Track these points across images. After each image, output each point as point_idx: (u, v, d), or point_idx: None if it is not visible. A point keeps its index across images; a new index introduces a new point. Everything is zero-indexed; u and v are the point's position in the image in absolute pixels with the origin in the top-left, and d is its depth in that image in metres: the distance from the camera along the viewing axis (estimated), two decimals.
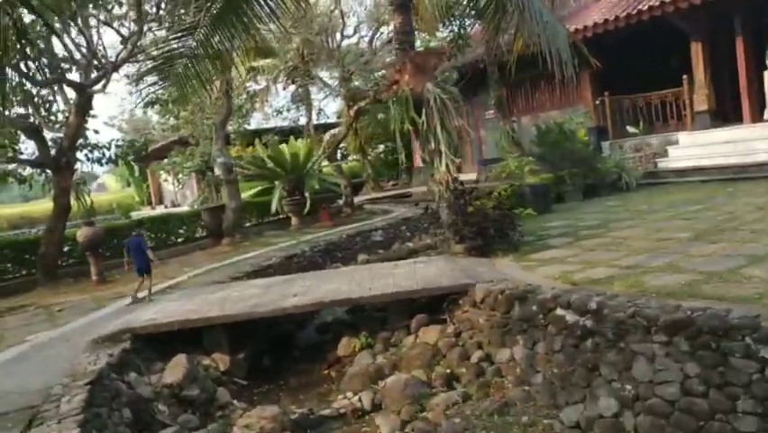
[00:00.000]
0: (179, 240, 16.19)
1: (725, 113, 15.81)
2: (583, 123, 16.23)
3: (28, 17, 10.31)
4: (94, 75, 12.98)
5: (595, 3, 18.35)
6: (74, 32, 12.78)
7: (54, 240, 12.82)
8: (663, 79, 15.93)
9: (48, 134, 13.38)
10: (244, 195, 17.96)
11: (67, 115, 13.40)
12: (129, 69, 14.46)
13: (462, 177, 10.17)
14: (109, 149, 15.35)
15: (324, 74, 22.63)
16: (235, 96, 18.20)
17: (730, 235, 7.65)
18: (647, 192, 13.63)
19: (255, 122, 25.81)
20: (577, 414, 5.20)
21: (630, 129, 16.64)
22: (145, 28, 12.94)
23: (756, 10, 14.18)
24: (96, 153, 14.72)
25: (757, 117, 14.60)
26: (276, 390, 7.36)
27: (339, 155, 23.65)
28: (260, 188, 20.13)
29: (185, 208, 22.20)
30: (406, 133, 9.81)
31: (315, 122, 24.14)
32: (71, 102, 13.16)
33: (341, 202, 19.68)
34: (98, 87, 12.84)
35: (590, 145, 15.53)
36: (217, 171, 17.48)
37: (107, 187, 46.39)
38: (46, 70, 12.21)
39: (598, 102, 17.33)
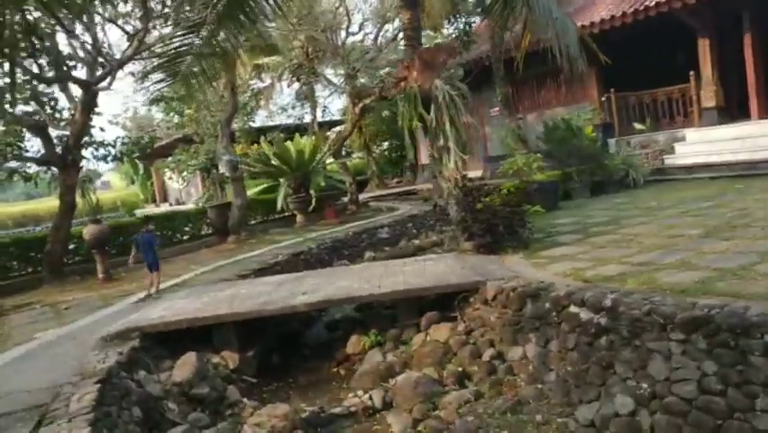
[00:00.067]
0: (185, 237, 16.17)
1: (732, 109, 15.71)
2: (591, 119, 16.14)
3: (34, 14, 10.25)
4: (99, 72, 12.93)
5: None
6: (79, 29, 12.73)
7: (60, 238, 12.80)
8: (669, 76, 15.84)
9: (53, 132, 13.36)
10: (250, 192, 17.95)
11: (72, 112, 13.36)
12: (134, 66, 14.49)
13: (467, 174, 10.11)
14: (115, 146, 15.33)
15: (328, 71, 22.63)
16: (240, 94, 18.17)
17: (742, 232, 7.57)
18: (655, 189, 13.56)
19: (259, 119, 25.82)
20: (592, 413, 5.15)
21: (637, 126, 16.56)
22: (150, 25, 12.88)
23: (765, 5, 14.06)
24: (102, 151, 14.70)
25: (765, 113, 14.49)
26: (285, 388, 7.31)
27: (344, 152, 23.55)
28: (265, 185, 20.12)
29: (189, 206, 22.18)
30: (410, 130, 9.77)
31: (319, 119, 24.10)
32: (77, 99, 13.13)
33: (346, 199, 19.64)
34: (104, 84, 12.80)
35: (598, 142, 15.45)
36: (222, 169, 17.47)
37: (111, 184, 46.45)
38: (51, 67, 12.17)
39: (604, 99, 17.25)
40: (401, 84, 9.08)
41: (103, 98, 12.80)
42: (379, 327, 7.70)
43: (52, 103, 13.14)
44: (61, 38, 12.94)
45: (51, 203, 25.53)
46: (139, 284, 10.77)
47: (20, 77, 10.76)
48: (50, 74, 12.47)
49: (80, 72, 13.28)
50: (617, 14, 15.59)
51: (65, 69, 12.52)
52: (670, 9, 14.54)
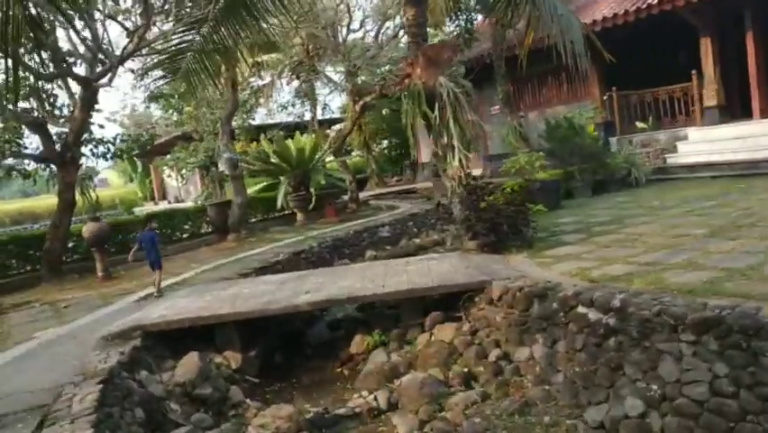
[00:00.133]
0: (185, 236, 16.09)
1: (733, 108, 15.66)
2: (593, 118, 16.08)
3: (36, 8, 10.16)
4: (99, 69, 12.84)
5: None
6: (79, 25, 12.64)
7: (59, 235, 12.71)
8: (671, 75, 15.79)
9: (52, 129, 13.26)
10: (250, 190, 17.86)
11: (71, 109, 13.27)
12: (133, 63, 14.40)
13: (471, 172, 10.03)
14: (114, 144, 15.23)
15: (328, 69, 22.54)
16: (240, 91, 18.07)
17: (748, 232, 7.53)
18: (657, 188, 13.52)
19: (259, 117, 25.72)
20: (601, 414, 5.09)
21: (639, 125, 16.51)
22: (150, 22, 12.79)
23: (767, 3, 14.02)
24: (102, 148, 14.61)
25: (767, 113, 14.45)
26: (288, 388, 7.25)
27: (343, 150, 23.47)
28: (265, 183, 20.03)
29: (188, 204, 22.10)
30: (405, 129, 9.72)
31: (319, 117, 24.01)
32: (76, 96, 13.03)
33: (346, 198, 19.58)
34: (104, 81, 12.70)
35: (599, 140, 15.40)
36: (222, 167, 17.38)
37: (109, 182, 46.32)
38: (51, 64, 12.09)
39: (605, 97, 17.20)
40: (405, 81, 9.01)
41: (101, 95, 12.77)
42: (382, 326, 7.63)
43: (51, 99, 13.06)
44: (60, 34, 12.81)
45: (49, 200, 25.46)
46: (139, 282, 10.71)
47: (20, 73, 10.65)
48: (50, 70, 12.37)
49: (80, 69, 13.21)
50: (619, 13, 15.53)
51: (65, 65, 12.42)
52: (672, 8, 14.48)
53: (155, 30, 13.56)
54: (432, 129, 8.98)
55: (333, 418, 6.09)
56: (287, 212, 18.04)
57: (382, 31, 21.97)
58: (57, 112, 13.34)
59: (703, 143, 14.90)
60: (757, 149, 13.33)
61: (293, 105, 26.16)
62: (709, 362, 4.49)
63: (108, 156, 15.27)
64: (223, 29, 8.38)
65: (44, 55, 11.71)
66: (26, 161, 13.76)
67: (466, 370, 6.41)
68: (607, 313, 5.28)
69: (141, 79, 15.19)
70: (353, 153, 27.48)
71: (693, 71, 15.28)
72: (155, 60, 9.59)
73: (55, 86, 13.23)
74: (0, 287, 12.10)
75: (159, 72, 9.20)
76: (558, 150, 14.83)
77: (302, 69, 20.40)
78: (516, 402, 5.62)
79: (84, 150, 13.92)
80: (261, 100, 22.76)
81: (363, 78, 20.25)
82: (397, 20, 20.80)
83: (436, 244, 11.98)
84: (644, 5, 15.03)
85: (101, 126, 14.98)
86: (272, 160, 17.67)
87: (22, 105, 12.51)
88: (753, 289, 5.13)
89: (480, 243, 8.79)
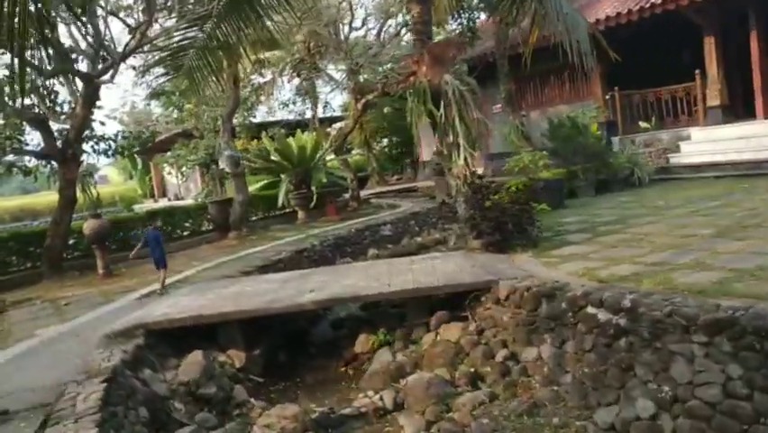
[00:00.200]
0: (185, 233, 16.02)
1: (737, 108, 15.62)
2: (596, 117, 16.03)
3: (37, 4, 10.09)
4: (101, 65, 12.77)
5: None
6: (80, 21, 12.56)
7: (60, 232, 12.65)
8: (674, 74, 15.75)
9: (54, 126, 13.19)
10: (251, 188, 17.79)
11: (73, 105, 13.20)
12: (134, 60, 14.32)
13: (477, 171, 9.98)
14: (116, 141, 15.16)
15: (330, 67, 22.45)
16: (241, 88, 17.99)
17: (755, 232, 7.49)
18: (660, 188, 13.48)
19: (260, 115, 25.64)
20: (611, 416, 5.04)
21: (642, 124, 16.46)
22: (153, 18, 12.72)
23: None
24: (103, 145, 14.54)
25: None
26: (293, 387, 7.20)
27: (344, 149, 23.41)
28: (266, 181, 19.97)
29: (188, 201, 22.01)
30: (410, 127, 9.68)
31: (320, 115, 23.92)
32: (78, 93, 12.96)
33: (347, 196, 19.51)
34: (106, 77, 12.63)
35: (602, 140, 15.35)
36: (222, 165, 17.30)
37: (109, 179, 46.21)
38: (53, 60, 12.00)
39: (607, 97, 17.16)
40: (410, 79, 8.95)
41: (101, 92, 12.73)
42: (386, 325, 7.58)
43: (53, 96, 12.98)
44: (62, 30, 12.74)
45: (49, 197, 25.32)
46: (140, 280, 10.66)
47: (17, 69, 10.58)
48: (51, 66, 12.29)
49: (82, 65, 13.14)
50: (623, 12, 15.49)
51: (67, 61, 12.35)
52: (677, 7, 14.45)
53: (157, 27, 13.49)
54: (437, 127, 8.93)
55: (338, 418, 6.04)
56: (288, 210, 17.96)
57: (384, 29, 21.94)
58: (58, 108, 13.26)
59: (706, 143, 14.86)
60: (761, 149, 13.30)
61: (294, 103, 26.09)
62: (722, 363, 4.45)
63: (109, 153, 15.19)
64: (226, 25, 8.32)
65: (48, 51, 11.62)
66: (27, 158, 13.68)
67: (473, 370, 6.36)
68: (617, 313, 5.23)
69: (143, 76, 15.11)
70: (354, 152, 27.39)
71: (696, 71, 15.23)
72: (157, 57, 9.51)
73: (56, 82, 13.15)
74: (0, 284, 12.03)
75: (160, 69, 9.14)
76: (561, 149, 14.78)
77: (303, 67, 20.31)
78: (524, 403, 5.57)
79: (85, 147, 13.88)
80: (262, 98, 22.67)
81: (365, 76, 20.16)
82: (400, 18, 20.77)
83: (438, 243, 11.93)
84: (648, 5, 15.00)
85: (102, 123, 14.91)
86: (273, 157, 17.59)
87: (22, 101, 12.43)
88: (763, 289, 5.08)
89: (484, 242, 8.73)
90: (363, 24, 22.19)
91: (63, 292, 10.75)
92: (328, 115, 28.38)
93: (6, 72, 11.90)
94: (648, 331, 4.93)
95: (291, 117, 25.64)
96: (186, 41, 8.51)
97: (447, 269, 7.87)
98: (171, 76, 9.05)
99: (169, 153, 23.37)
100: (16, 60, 4.45)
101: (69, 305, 9.57)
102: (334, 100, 49.87)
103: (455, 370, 6.41)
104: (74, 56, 12.78)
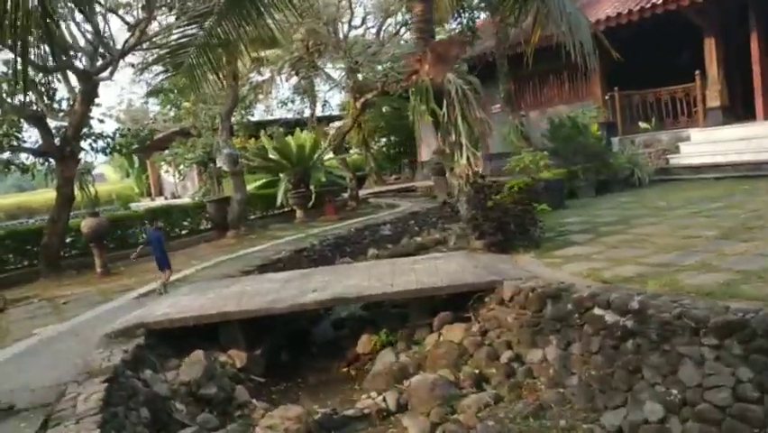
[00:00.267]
0: (183, 232, 15.94)
1: (737, 109, 15.60)
2: (596, 117, 15.99)
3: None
4: (99, 62, 12.67)
5: None
6: (79, 18, 12.47)
7: (57, 230, 12.54)
8: (674, 75, 15.70)
9: (51, 123, 13.08)
10: (249, 187, 17.69)
11: (71, 102, 13.10)
12: (133, 58, 14.23)
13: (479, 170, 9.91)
14: (114, 138, 15.06)
15: (328, 66, 22.36)
16: (240, 87, 17.90)
17: (759, 234, 7.46)
18: (661, 188, 13.45)
19: (258, 113, 25.54)
20: (619, 419, 5.00)
21: (642, 125, 16.43)
22: (152, 15, 12.63)
23: None
24: (101, 143, 14.43)
25: None
26: (294, 388, 7.14)
27: (343, 148, 23.33)
28: (264, 180, 19.88)
29: (185, 200, 21.90)
30: (408, 126, 9.63)
31: (319, 114, 23.82)
32: (76, 90, 12.86)
33: (345, 195, 19.44)
34: (104, 74, 12.53)
35: (602, 140, 15.32)
36: (220, 163, 17.20)
37: (106, 177, 46.01)
38: (52, 56, 11.90)
39: (607, 97, 17.12)
40: (413, 77, 8.88)
41: (99, 90, 12.63)
42: (389, 326, 7.54)
43: (51, 93, 12.88)
44: (61, 26, 12.60)
45: (45, 195, 25.25)
46: (138, 279, 10.58)
47: (20, 66, 10.49)
48: (51, 63, 12.20)
49: (80, 62, 13.02)
50: (623, 12, 15.44)
51: (66, 58, 12.24)
52: (677, 7, 14.41)
53: (155, 24, 13.42)
54: (440, 126, 8.87)
55: (341, 419, 5.99)
56: (286, 209, 17.88)
57: (384, 27, 21.80)
58: (56, 105, 13.15)
59: (706, 144, 14.83)
60: (761, 150, 13.27)
61: (292, 102, 26.01)
62: (732, 366, 4.41)
63: (108, 151, 15.09)
64: (227, 22, 8.25)
65: (48, 47, 11.53)
66: (24, 155, 13.57)
67: (477, 371, 6.31)
68: (624, 315, 5.19)
69: (142, 74, 15.02)
70: (352, 151, 27.31)
71: (696, 72, 15.21)
72: (156, 55, 9.44)
73: (54, 79, 13.04)
74: None
75: (159, 67, 9.07)
76: (561, 149, 14.75)
77: (302, 66, 20.21)
78: (530, 405, 5.52)
79: (83, 144, 13.77)
80: (261, 96, 22.56)
81: (364, 74, 20.07)
82: (399, 16, 20.67)
83: (438, 243, 11.89)
84: (649, 5, 14.95)
85: (101, 121, 14.76)
86: (272, 156, 17.51)
87: (20, 97, 12.33)
88: None
89: (486, 242, 8.69)
90: (363, 23, 22.07)
91: (61, 291, 10.66)
92: (327, 113, 28.31)
93: (4, 69, 11.85)
94: (656, 333, 4.89)
95: (290, 116, 25.58)
96: (186, 39, 8.45)
97: (450, 269, 7.81)
98: (171, 73, 8.99)
99: (166, 152, 23.26)
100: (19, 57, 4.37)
101: (68, 304, 9.50)
102: (333, 99, 49.83)
103: (459, 371, 6.35)
104: (73, 52, 12.66)
